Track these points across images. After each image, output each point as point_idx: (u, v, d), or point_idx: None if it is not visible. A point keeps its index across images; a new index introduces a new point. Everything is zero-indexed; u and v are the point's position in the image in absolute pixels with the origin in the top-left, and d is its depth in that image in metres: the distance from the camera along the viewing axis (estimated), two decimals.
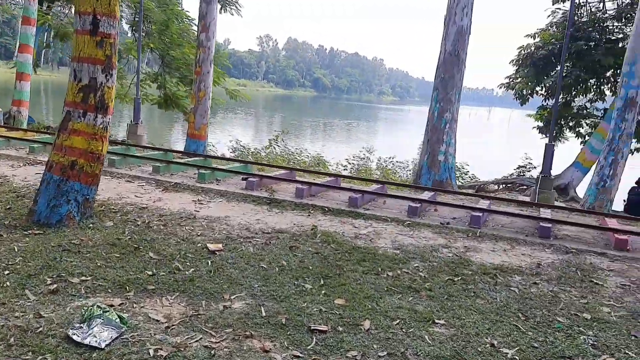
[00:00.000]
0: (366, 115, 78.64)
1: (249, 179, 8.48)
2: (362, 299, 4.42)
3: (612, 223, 7.37)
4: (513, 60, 16.75)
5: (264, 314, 3.95)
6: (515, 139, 47.56)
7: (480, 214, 7.16)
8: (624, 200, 14.14)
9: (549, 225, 6.87)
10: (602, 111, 17.19)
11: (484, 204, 8.13)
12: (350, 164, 18.59)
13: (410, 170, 18.41)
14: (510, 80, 18.31)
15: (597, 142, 14.67)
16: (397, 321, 4.04)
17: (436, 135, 11.28)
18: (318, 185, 8.58)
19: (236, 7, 21.42)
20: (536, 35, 18.41)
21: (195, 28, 18.75)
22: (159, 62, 21.80)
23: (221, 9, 20.57)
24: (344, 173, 16.59)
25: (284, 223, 6.79)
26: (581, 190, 14.95)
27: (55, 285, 4.12)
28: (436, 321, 4.11)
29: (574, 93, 16.77)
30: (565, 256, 6.31)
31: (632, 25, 15.59)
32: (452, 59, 11.26)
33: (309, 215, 7.32)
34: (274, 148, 19.53)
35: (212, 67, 13.15)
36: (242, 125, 40.89)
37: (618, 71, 15.89)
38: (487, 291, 4.91)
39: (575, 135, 17.91)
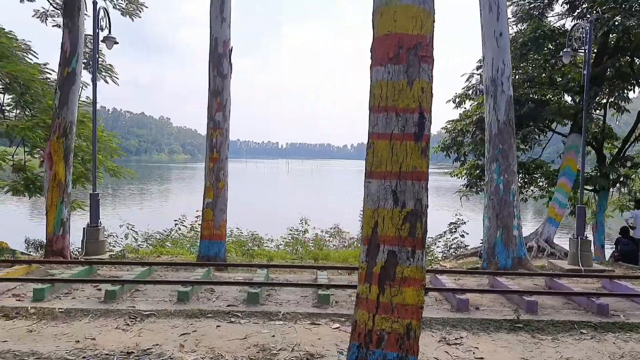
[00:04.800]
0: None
1: (460, 297, 6.79)
2: None
3: None
4: (471, 123, 17.18)
5: None
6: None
7: None
8: (614, 252, 15.35)
9: None
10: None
11: None
12: (293, 239, 17.00)
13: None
14: (447, 142, 18.95)
15: (562, 196, 15.78)
16: None
17: (507, 209, 10.76)
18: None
19: (111, 73, 18.40)
20: (455, 99, 19.51)
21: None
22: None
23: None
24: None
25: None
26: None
27: None
28: None
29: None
30: None
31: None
32: (507, 129, 10.99)
33: (553, 339, 6.05)
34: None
35: (228, 152, 10.82)
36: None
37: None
38: None
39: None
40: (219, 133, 10.53)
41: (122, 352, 5.16)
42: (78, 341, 5.44)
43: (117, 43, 12.65)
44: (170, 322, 6.07)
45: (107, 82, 18.27)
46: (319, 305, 6.73)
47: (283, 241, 17.07)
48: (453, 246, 18.27)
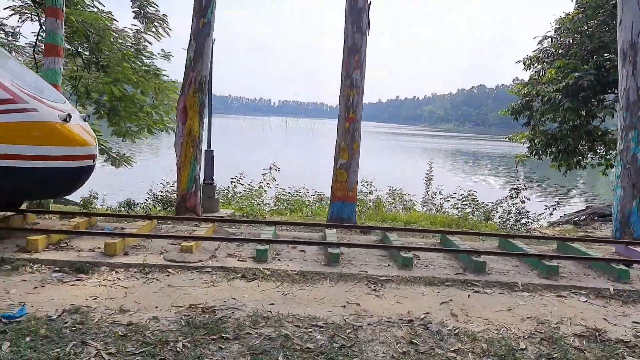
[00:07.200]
0: None
1: None
2: None
3: None
4: (556, 90, 16.67)
5: None
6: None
7: None
8: None
9: None
10: None
11: None
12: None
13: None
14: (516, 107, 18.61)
15: None
16: None
17: None
18: None
19: (164, 25, 17.15)
20: (525, 61, 19.13)
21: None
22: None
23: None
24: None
25: None
26: None
27: None
28: None
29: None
30: None
31: None
32: None
33: None
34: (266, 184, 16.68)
35: (362, 112, 10.42)
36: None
37: None
38: None
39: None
40: (355, 92, 10.10)
41: (400, 319, 4.91)
42: (344, 306, 5.17)
43: None
44: (414, 289, 5.80)
45: (158, 38, 17.01)
46: (548, 277, 6.52)
47: None
48: (512, 212, 17.94)
